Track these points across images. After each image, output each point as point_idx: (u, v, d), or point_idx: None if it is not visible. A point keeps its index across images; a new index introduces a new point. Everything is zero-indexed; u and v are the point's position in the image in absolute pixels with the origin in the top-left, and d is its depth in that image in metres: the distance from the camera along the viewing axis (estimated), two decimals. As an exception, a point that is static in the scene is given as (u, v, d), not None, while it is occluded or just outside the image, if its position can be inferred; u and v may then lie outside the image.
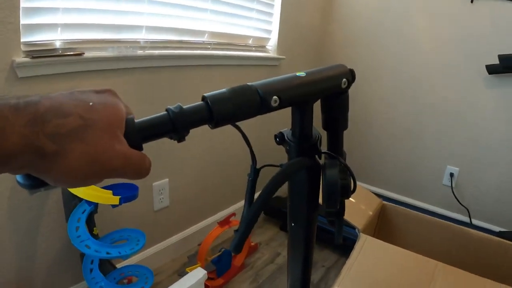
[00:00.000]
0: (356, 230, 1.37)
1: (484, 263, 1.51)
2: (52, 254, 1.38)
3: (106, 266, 1.44)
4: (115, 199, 1.17)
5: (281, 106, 0.46)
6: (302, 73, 0.50)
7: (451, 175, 2.34)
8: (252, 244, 1.89)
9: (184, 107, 0.40)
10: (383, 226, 1.70)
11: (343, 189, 0.55)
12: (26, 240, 1.29)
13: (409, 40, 2.33)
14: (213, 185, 1.98)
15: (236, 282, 1.73)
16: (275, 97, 0.45)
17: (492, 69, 2.02)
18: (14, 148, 0.27)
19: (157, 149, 1.60)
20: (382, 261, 1.27)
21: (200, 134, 1.78)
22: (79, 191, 1.14)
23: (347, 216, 1.40)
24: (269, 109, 0.45)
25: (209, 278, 1.65)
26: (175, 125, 0.38)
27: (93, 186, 1.20)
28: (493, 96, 2.10)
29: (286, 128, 0.59)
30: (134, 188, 1.29)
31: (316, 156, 0.58)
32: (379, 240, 1.34)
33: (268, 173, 0.56)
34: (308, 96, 0.52)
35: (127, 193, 1.21)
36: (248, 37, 2.01)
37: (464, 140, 2.25)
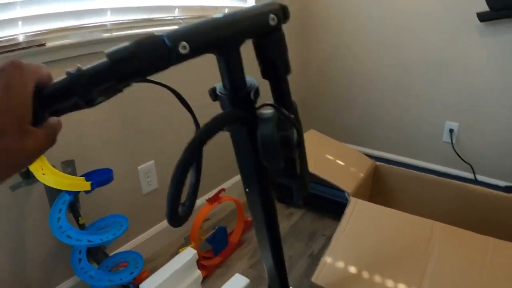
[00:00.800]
0: (346, 194, 1.34)
1: (490, 221, 1.46)
2: (44, 249, 1.39)
3: (98, 255, 1.44)
4: (87, 185, 1.15)
5: (193, 53, 0.42)
6: (219, 15, 0.46)
7: (451, 131, 2.28)
8: (248, 219, 1.87)
9: (83, 67, 0.37)
10: (379, 189, 1.66)
11: (284, 143, 0.51)
12: (14, 238, 1.29)
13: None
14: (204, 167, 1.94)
15: (234, 259, 1.72)
16: (183, 43, 0.41)
17: (483, 17, 1.93)
18: None
19: (138, 131, 1.58)
20: (374, 225, 1.23)
21: (185, 115, 1.75)
22: (50, 181, 1.12)
23: (335, 180, 1.37)
24: (179, 57, 0.41)
25: (205, 258, 1.65)
26: (76, 87, 0.36)
27: (64, 174, 1.18)
28: (487, 45, 2.01)
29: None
30: (107, 172, 1.27)
31: (256, 110, 0.54)
32: (370, 203, 1.30)
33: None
34: (226, 38, 0.47)
35: (98, 178, 1.19)
36: (222, 7, 1.93)
37: (461, 93, 2.17)
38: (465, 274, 1.00)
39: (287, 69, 0.55)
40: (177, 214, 0.46)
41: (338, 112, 2.65)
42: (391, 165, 1.63)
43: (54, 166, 1.21)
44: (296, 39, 2.60)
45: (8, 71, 0.31)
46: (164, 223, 1.80)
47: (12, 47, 1.18)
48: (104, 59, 0.38)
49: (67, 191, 1.24)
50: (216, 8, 1.89)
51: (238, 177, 2.18)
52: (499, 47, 1.98)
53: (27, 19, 1.22)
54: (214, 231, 1.67)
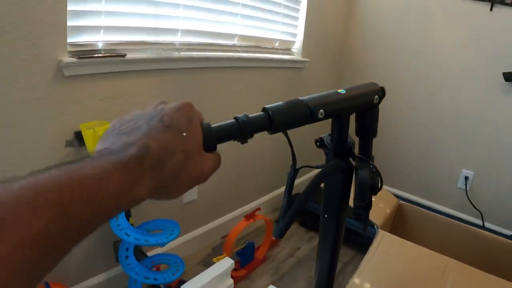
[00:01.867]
0: (375, 226, 1.49)
1: (495, 263, 1.61)
2: (88, 240, 1.50)
3: (138, 254, 1.58)
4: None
5: (325, 117, 0.57)
6: (342, 90, 0.61)
7: (466, 178, 2.45)
8: (274, 238, 2.02)
9: (249, 116, 0.50)
10: (399, 225, 1.82)
11: (372, 186, 0.66)
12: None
13: (429, 43, 2.44)
14: (237, 181, 2.11)
15: (258, 273, 1.85)
16: (321, 110, 0.55)
17: (508, 77, 2.11)
18: (146, 193, 0.34)
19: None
20: (397, 256, 1.38)
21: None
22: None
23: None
24: (316, 120, 0.55)
25: (233, 269, 1.78)
26: (243, 131, 0.47)
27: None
28: (510, 103, 2.19)
29: (325, 134, 0.71)
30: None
31: (350, 159, 0.70)
32: (395, 236, 1.46)
33: (301, 172, 0.68)
34: (347, 110, 0.63)
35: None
36: (275, 40, 2.13)
37: (480, 144, 2.36)
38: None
39: (375, 133, 0.71)
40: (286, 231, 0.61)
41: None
42: (412, 205, 1.79)
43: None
44: (335, 76, 2.81)
45: (187, 108, 0.40)
46: (196, 232, 1.95)
47: (92, 52, 1.32)
48: (262, 113, 0.52)
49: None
50: (269, 39, 2.09)
51: (269, 196, 2.35)
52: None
53: (108, 29, 1.37)
54: (244, 245, 1.81)
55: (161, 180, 0.35)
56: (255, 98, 2.02)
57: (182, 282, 1.40)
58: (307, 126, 0.56)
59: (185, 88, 1.65)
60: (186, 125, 0.38)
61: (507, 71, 2.11)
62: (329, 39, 2.60)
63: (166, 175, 0.35)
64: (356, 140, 0.72)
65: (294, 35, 2.26)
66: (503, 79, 2.15)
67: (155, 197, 0.36)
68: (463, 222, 2.18)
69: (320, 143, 0.70)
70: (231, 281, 1.54)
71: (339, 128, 0.66)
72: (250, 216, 1.76)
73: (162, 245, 1.34)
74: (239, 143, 0.50)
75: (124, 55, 1.39)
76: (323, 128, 0.73)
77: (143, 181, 0.33)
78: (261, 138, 2.07)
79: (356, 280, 1.27)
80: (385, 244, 1.42)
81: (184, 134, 0.37)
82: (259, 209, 1.83)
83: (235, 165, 2.06)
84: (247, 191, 2.23)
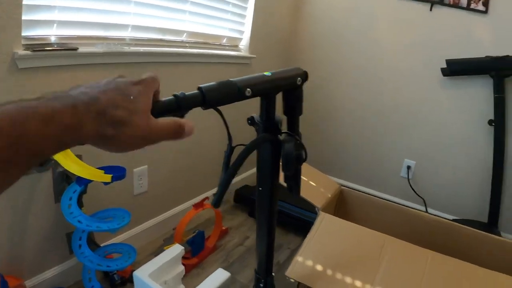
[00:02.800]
0: (316, 209, 1.64)
1: (433, 241, 1.79)
2: (41, 233, 1.56)
3: (90, 244, 1.65)
4: (107, 177, 1.38)
5: (253, 95, 0.66)
6: (268, 73, 0.71)
7: (408, 167, 2.68)
8: (223, 228, 2.14)
9: (186, 93, 0.59)
10: (341, 209, 1.99)
11: (297, 158, 0.77)
12: (18, 218, 1.47)
13: (373, 42, 2.65)
14: (187, 174, 2.22)
15: (209, 262, 1.97)
16: (248, 89, 0.65)
17: (446, 72, 2.35)
18: (89, 134, 0.39)
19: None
20: (338, 235, 1.54)
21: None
22: (76, 169, 1.35)
23: (308, 197, 1.68)
24: (244, 97, 0.64)
25: (184, 258, 1.88)
26: (180, 106, 0.55)
27: (86, 165, 1.41)
28: (448, 97, 2.44)
29: (255, 114, 0.82)
30: (122, 169, 1.51)
31: (279, 135, 0.82)
32: (336, 217, 1.61)
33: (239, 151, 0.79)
34: (272, 89, 0.73)
35: (117, 173, 1.43)
36: (222, 37, 2.26)
37: (421, 135, 2.59)
38: (408, 277, 1.33)
39: (301, 112, 0.83)
40: (221, 200, 0.70)
41: (312, 142, 3.03)
42: (353, 190, 1.96)
43: (72, 159, 1.44)
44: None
45: (141, 85, 0.45)
46: (147, 224, 2.03)
47: (46, 46, 1.39)
48: (197, 91, 0.61)
49: (77, 182, 1.47)
50: (217, 36, 2.21)
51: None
52: (458, 99, 2.41)
53: (61, 23, 1.44)
54: (194, 234, 1.92)
55: (104, 128, 0.40)
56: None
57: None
58: (243, 108, 0.66)
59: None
60: (136, 92, 0.44)
61: (445, 67, 2.34)
62: (276, 36, 2.76)
63: (109, 124, 0.40)
64: (285, 119, 0.83)
65: (242, 32, 2.40)
66: (441, 75, 2.38)
67: (100, 145, 0.42)
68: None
69: (251, 121, 0.81)
70: (182, 267, 1.65)
71: (267, 106, 0.77)
72: (198, 205, 1.87)
73: (113, 231, 1.43)
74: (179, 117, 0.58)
75: (76, 49, 1.46)
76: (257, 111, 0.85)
77: (88, 124, 0.39)
78: (210, 132, 2.19)
79: (299, 258, 1.41)
80: (325, 225, 1.57)
81: (131, 97, 0.43)
82: (207, 198, 1.94)
83: (185, 158, 2.17)
84: (197, 183, 2.34)
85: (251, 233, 2.24)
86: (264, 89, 0.72)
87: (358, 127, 2.85)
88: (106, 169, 1.45)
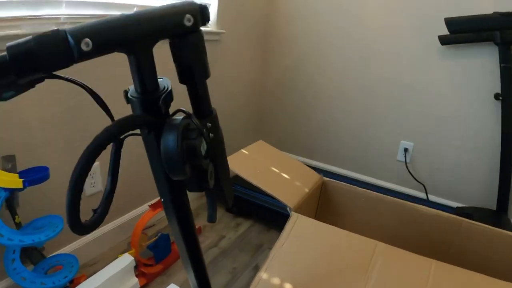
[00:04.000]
0: (288, 209, 1.40)
1: (435, 241, 1.55)
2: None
3: (35, 256, 1.46)
4: (19, 182, 1.17)
5: (96, 51, 0.42)
6: (131, 12, 0.47)
7: (406, 150, 2.42)
8: (196, 227, 1.92)
9: None
10: (326, 205, 1.74)
11: (190, 152, 0.51)
12: None
13: (356, 13, 2.38)
14: (147, 170, 1.98)
15: (176, 267, 1.77)
16: (86, 39, 0.41)
17: (444, 40, 2.07)
18: None
19: (84, 131, 1.60)
20: (315, 242, 1.26)
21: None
22: (-17, 177, 1.14)
23: (278, 194, 1.44)
24: (81, 55, 0.41)
25: (146, 265, 1.68)
26: None
27: (-1, 171, 1.20)
28: (447, 68, 2.17)
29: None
30: (44, 169, 1.29)
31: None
32: (312, 219, 1.36)
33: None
34: (135, 36, 0.46)
35: (33, 176, 1.22)
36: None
37: (417, 113, 2.33)
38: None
39: (205, 73, 0.56)
40: (79, 221, 0.46)
41: (295, 124, 2.77)
42: (338, 181, 1.70)
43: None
44: (258, 49, 2.70)
45: None
46: (107, 227, 1.83)
47: None
48: (3, 53, 0.39)
49: (3, 187, 1.26)
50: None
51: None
52: (458, 69, 2.14)
53: None
54: (156, 237, 1.71)
55: None
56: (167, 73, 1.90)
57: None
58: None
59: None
60: None
61: (442, 34, 2.07)
62: (249, 9, 2.50)
63: None
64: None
65: (208, 4, 2.13)
66: (438, 43, 2.11)
67: None
68: (405, 197, 2.13)
69: (125, 96, 0.54)
70: (135, 280, 1.45)
71: (137, 68, 0.50)
72: (156, 205, 1.66)
73: (39, 244, 1.23)
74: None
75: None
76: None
77: None
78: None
79: (263, 274, 1.17)
80: (299, 229, 1.32)
81: None
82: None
83: (141, 153, 1.93)
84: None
85: (227, 231, 2.03)
86: (120, 38, 0.45)
87: (345, 105, 2.58)
88: (27, 172, 1.24)
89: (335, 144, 2.69)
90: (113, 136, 0.48)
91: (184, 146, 0.50)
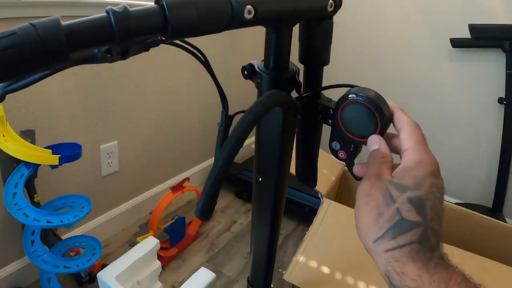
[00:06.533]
0: (319, 195, 1.34)
1: (447, 233, 1.54)
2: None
3: (50, 237, 1.33)
4: (54, 159, 1.05)
5: (256, 20, 0.39)
6: None
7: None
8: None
9: (130, 9, 0.30)
10: (344, 192, 1.70)
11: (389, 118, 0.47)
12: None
13: (375, 9, 2.30)
14: (166, 150, 1.88)
15: (190, 251, 1.67)
16: (249, 6, 0.37)
17: (456, 43, 2.04)
18: None
19: (105, 108, 1.48)
20: (347, 228, 1.23)
21: (153, 97, 1.67)
22: (12, 150, 1.02)
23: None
24: (241, 22, 0.37)
25: (162, 248, 1.59)
26: (118, 30, 0.28)
27: (29, 144, 1.07)
28: (455, 71, 2.13)
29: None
30: (77, 147, 1.17)
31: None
32: (343, 205, 1.31)
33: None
34: (289, 13, 0.44)
35: (68, 153, 1.10)
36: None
37: (422, 113, 2.28)
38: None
39: (327, 59, 0.53)
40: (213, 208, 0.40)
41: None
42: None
43: (15, 135, 1.10)
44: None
45: None
46: (119, 208, 1.71)
47: None
48: (153, 4, 0.31)
49: (25, 164, 1.13)
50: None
51: (200, 167, 2.14)
52: (465, 72, 2.11)
53: None
54: (173, 221, 1.61)
55: None
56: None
57: (106, 265, 1.19)
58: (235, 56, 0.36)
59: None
60: None
61: (454, 37, 2.03)
62: None
63: None
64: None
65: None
66: (449, 46, 2.06)
67: None
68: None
69: (248, 71, 0.51)
70: (158, 263, 1.34)
71: (277, 44, 0.47)
72: (177, 187, 1.55)
73: (68, 226, 1.11)
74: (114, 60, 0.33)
75: None
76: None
77: None
78: (190, 95, 1.83)
79: (300, 257, 1.12)
80: (331, 215, 1.27)
81: None
82: (187, 179, 1.62)
83: (161, 131, 1.82)
84: (176, 161, 1.99)
85: (238, 216, 1.94)
86: (278, 12, 0.42)
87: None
88: (56, 148, 1.12)
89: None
90: (268, 108, 0.42)
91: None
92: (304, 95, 0.53)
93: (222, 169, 0.38)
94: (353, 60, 2.44)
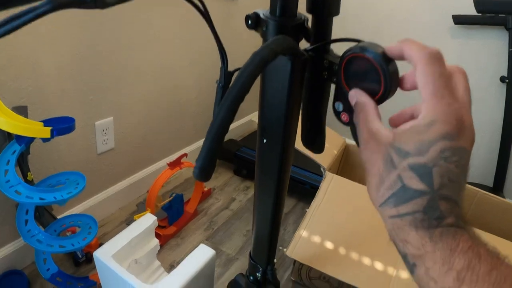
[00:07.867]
0: (322, 169, 1.29)
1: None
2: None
3: (45, 217, 1.27)
4: (46, 131, 0.98)
5: None
6: None
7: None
8: (205, 189, 1.78)
9: None
10: (346, 167, 1.65)
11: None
12: None
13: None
14: (163, 127, 1.80)
15: (189, 229, 1.62)
16: None
17: (459, 19, 1.97)
18: None
19: (100, 83, 1.41)
20: (350, 201, 1.19)
21: (149, 72, 1.60)
22: (2, 123, 0.95)
23: (312, 155, 1.32)
24: None
25: (160, 226, 1.54)
26: None
27: (19, 117, 1.01)
28: (457, 48, 2.07)
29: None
30: (70, 120, 1.11)
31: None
32: (345, 179, 1.26)
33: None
34: None
35: (61, 125, 1.03)
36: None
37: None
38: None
39: (337, 9, 0.48)
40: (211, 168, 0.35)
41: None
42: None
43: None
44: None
45: None
46: (116, 187, 1.64)
47: None
48: None
49: (17, 140, 1.06)
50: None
51: (198, 144, 2.07)
52: (467, 49, 2.05)
53: None
54: (171, 198, 1.56)
55: None
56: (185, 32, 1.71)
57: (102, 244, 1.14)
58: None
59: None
60: None
61: (456, 14, 1.96)
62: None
63: None
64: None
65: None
66: (451, 23, 1.99)
67: None
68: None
69: (253, 19, 0.47)
70: (156, 241, 1.29)
71: None
72: (175, 163, 1.49)
73: (62, 202, 1.05)
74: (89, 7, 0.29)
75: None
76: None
77: None
78: (188, 68, 1.75)
79: (302, 232, 1.07)
80: (334, 189, 1.22)
81: None
82: (185, 155, 1.55)
83: (158, 106, 1.74)
84: (173, 137, 1.91)
85: (237, 194, 1.89)
86: None
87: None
88: (48, 122, 1.05)
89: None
90: (275, 54, 0.37)
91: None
92: (310, 47, 0.47)
93: (225, 118, 0.32)
94: (352, 31, 2.36)
